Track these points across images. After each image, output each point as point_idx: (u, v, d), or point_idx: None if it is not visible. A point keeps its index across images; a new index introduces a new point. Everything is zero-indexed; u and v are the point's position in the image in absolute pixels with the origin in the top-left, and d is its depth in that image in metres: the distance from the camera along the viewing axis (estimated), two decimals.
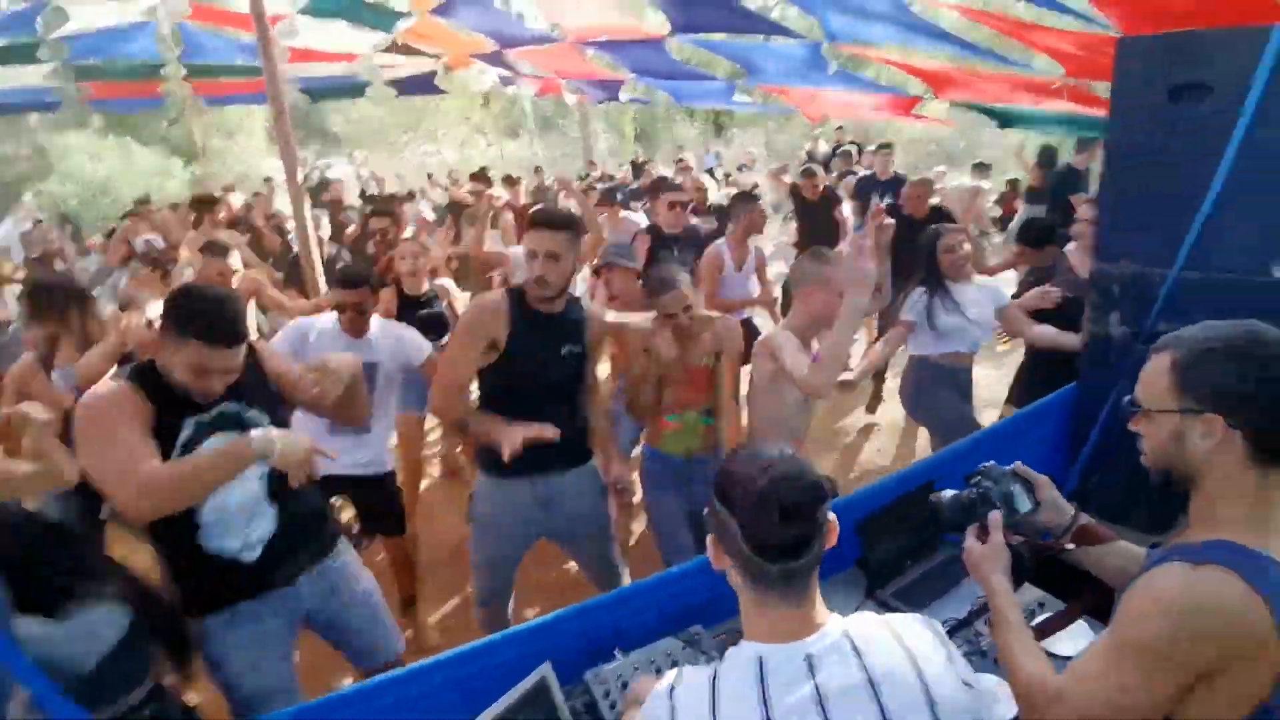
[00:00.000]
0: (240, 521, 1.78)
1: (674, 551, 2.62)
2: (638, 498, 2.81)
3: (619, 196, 6.01)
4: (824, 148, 10.44)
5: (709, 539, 1.07)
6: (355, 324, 2.82)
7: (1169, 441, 1.09)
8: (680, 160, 8.82)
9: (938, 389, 3.27)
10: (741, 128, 21.71)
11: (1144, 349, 2.26)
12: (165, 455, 1.66)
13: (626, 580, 2.54)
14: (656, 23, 4.83)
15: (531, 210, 2.22)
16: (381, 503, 3.04)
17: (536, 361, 2.21)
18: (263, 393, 1.87)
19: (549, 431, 2.07)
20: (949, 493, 1.37)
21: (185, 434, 1.70)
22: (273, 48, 3.91)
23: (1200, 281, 2.14)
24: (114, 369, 1.84)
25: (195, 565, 1.77)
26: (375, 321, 2.93)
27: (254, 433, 1.66)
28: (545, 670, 1.53)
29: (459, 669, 1.54)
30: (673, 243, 4.04)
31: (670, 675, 1.03)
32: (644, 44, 4.98)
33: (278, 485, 1.83)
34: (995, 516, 1.29)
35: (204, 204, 6.49)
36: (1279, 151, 1.91)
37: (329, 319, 2.89)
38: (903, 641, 0.99)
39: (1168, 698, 1.00)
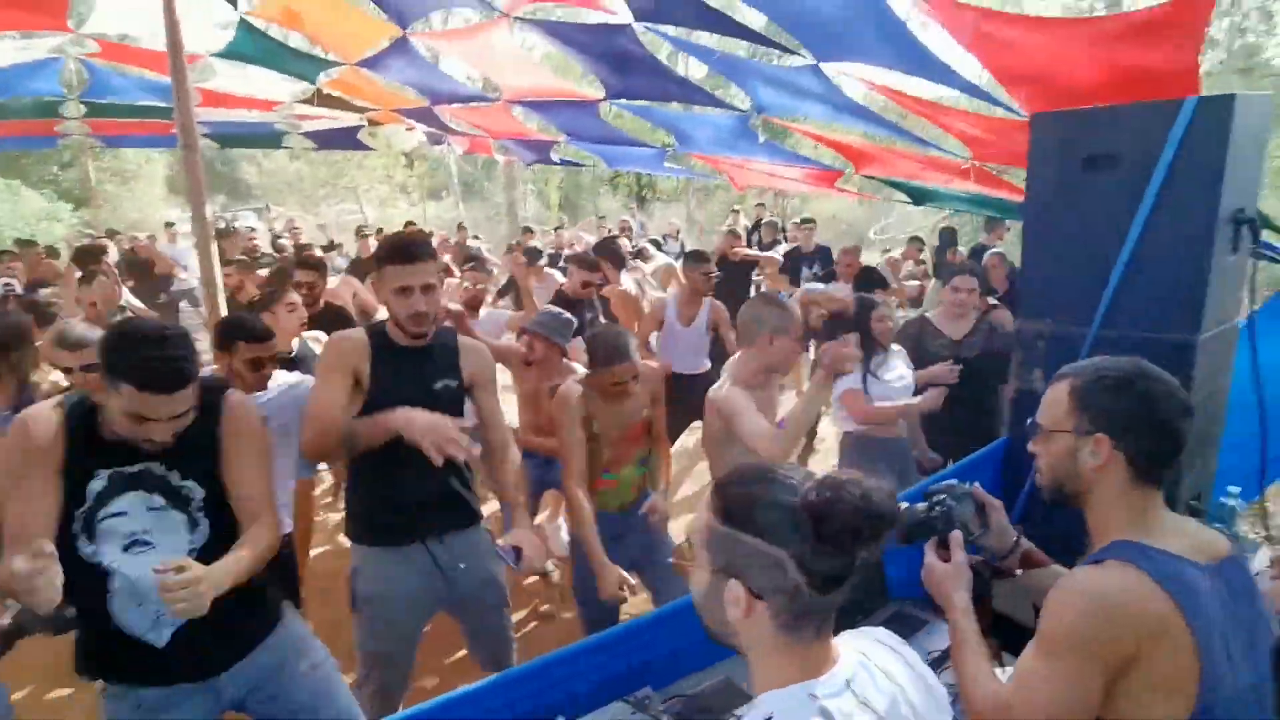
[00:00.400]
0: (153, 594, 1.49)
1: (607, 613, 2.47)
2: (555, 574, 2.66)
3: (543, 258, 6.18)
4: (745, 222, 10.91)
5: (734, 587, 0.90)
6: (261, 380, 2.59)
7: (1064, 459, 1.24)
8: (623, 221, 9.11)
9: (875, 466, 3.25)
10: (664, 201, 22.47)
11: None
12: (73, 500, 1.50)
13: (515, 660, 2.30)
14: (591, 87, 4.93)
15: (390, 245, 2.06)
16: (276, 567, 2.73)
17: (403, 398, 1.97)
18: (203, 458, 1.64)
19: (446, 426, 1.85)
20: (910, 505, 1.40)
21: (98, 485, 1.52)
22: (186, 87, 3.67)
23: (1117, 339, 2.25)
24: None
25: (101, 633, 1.57)
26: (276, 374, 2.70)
27: None
28: None
29: None
30: (579, 306, 4.15)
31: None
32: (577, 105, 5.06)
33: (208, 558, 1.54)
34: (957, 536, 1.34)
35: (89, 254, 5.80)
36: (1185, 217, 2.05)
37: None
38: (896, 651, 1.01)
39: (1098, 687, 1.10)
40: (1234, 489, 2.23)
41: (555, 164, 7.44)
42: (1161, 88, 2.08)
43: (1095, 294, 2.27)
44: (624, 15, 3.64)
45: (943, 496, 1.38)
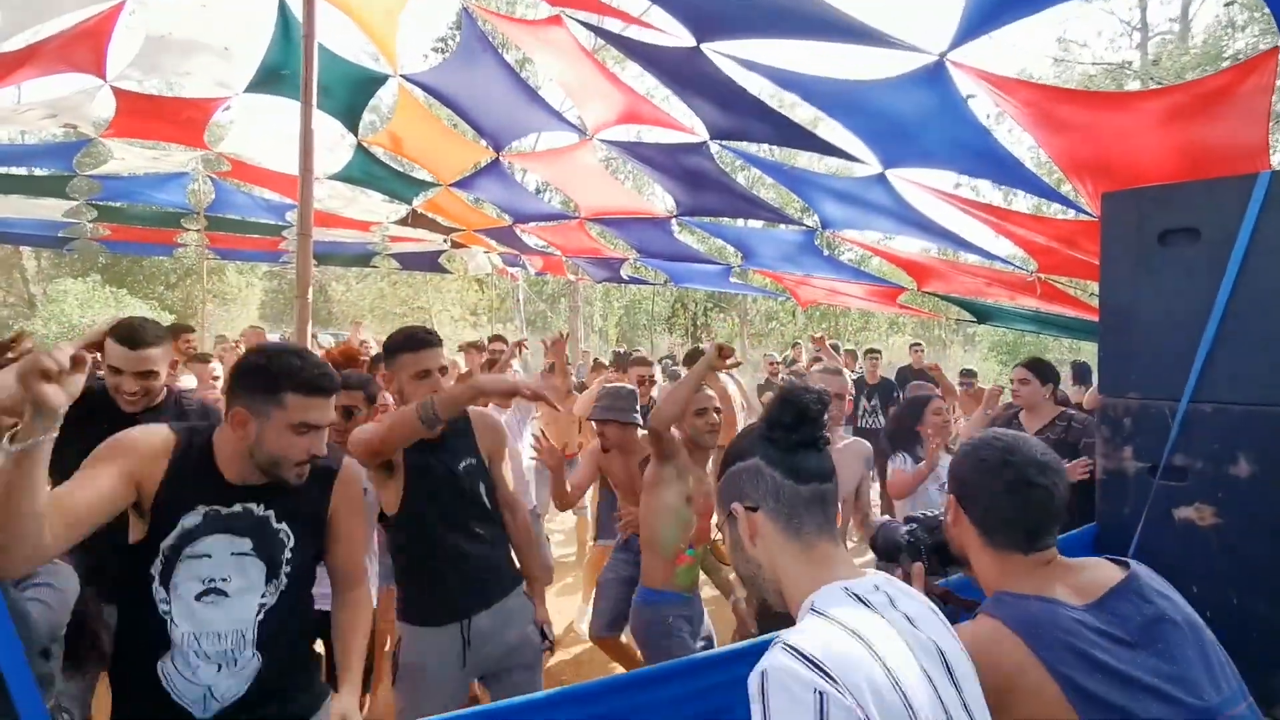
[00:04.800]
0: (212, 658, 1.48)
1: None
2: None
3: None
4: (805, 357, 11.02)
5: (736, 511, 1.06)
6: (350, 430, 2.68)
7: (950, 525, 1.32)
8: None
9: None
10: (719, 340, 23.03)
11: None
12: (160, 533, 1.46)
13: None
14: (664, 205, 5.30)
15: (403, 335, 2.21)
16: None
17: (439, 484, 2.11)
18: (308, 511, 1.62)
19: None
20: (890, 525, 1.47)
21: (191, 520, 1.48)
22: (310, 210, 3.90)
23: (1212, 412, 2.18)
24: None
25: (143, 700, 1.46)
26: None
27: None
28: None
29: None
30: None
31: (774, 656, 0.83)
32: (650, 222, 5.41)
33: (270, 630, 1.52)
34: (918, 568, 1.38)
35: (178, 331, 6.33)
36: (1272, 288, 2.05)
37: None
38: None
39: None
40: None
41: (624, 281, 7.82)
42: (1231, 163, 2.15)
43: (1179, 367, 2.23)
44: (701, 133, 4.00)
45: (916, 527, 1.43)
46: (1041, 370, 3.41)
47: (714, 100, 3.44)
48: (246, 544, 1.52)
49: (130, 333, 2.18)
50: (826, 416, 1.05)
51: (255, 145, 6.29)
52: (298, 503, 1.59)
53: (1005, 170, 3.17)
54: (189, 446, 1.52)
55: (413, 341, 2.15)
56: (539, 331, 20.29)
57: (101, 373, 2.37)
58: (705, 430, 2.65)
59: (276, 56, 4.76)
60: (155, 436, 1.51)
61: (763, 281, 6.12)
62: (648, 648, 2.60)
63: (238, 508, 1.52)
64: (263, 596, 1.54)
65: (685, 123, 4.08)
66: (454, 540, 2.10)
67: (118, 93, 4.98)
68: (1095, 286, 2.53)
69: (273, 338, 11.06)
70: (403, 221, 7.32)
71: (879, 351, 7.20)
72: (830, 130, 3.46)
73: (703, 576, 2.86)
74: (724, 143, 4.13)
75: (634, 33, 3.36)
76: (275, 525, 1.56)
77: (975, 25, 2.26)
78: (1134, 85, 15.99)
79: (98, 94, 5.01)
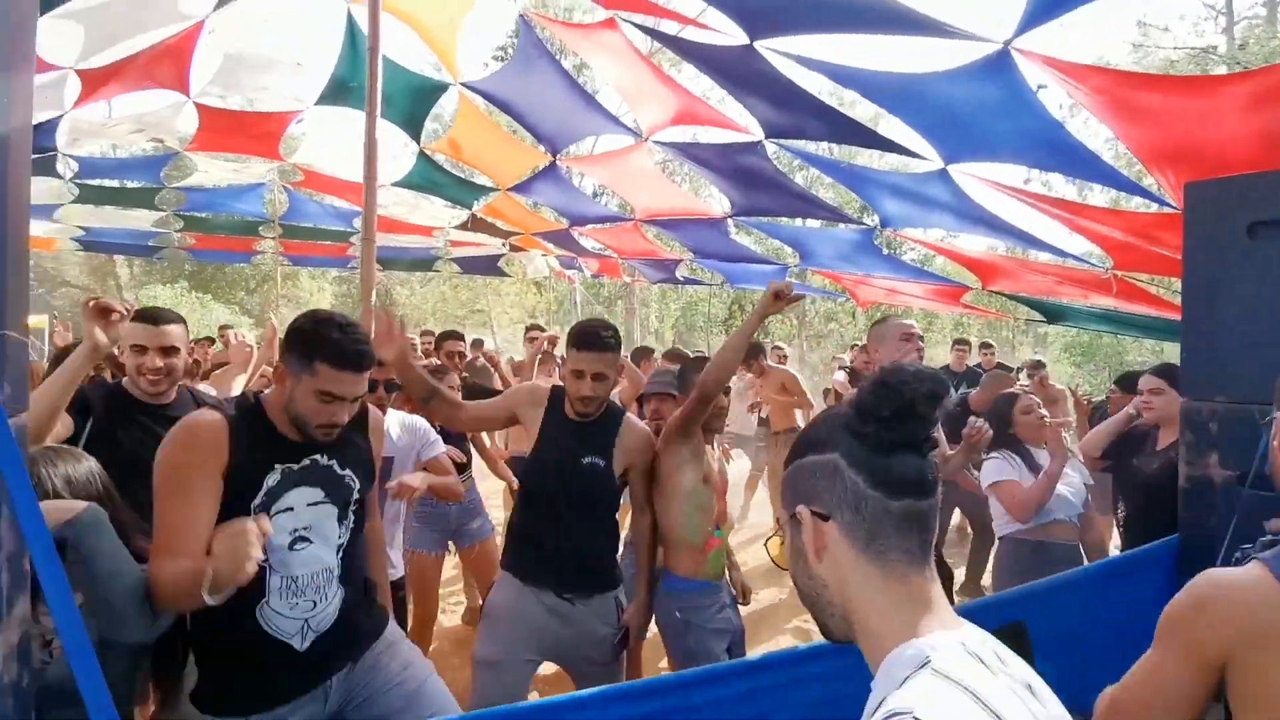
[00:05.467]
0: (308, 595, 1.66)
1: None
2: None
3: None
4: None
5: (801, 515, 0.84)
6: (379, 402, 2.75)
7: None
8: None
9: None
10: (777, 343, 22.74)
11: (1252, 492, 2.12)
12: (246, 496, 1.57)
13: None
14: (719, 205, 5.26)
15: (578, 330, 2.31)
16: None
17: (560, 463, 2.26)
18: (360, 456, 1.80)
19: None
20: None
21: (272, 479, 1.61)
22: (374, 215, 4.03)
23: None
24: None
25: (243, 644, 1.60)
26: (392, 415, 2.87)
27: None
28: None
29: None
30: None
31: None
32: (705, 223, 5.38)
33: (347, 564, 1.73)
34: None
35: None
36: None
37: None
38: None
39: (1190, 682, 1.04)
40: None
41: (679, 283, 7.80)
42: None
43: (1270, 368, 2.08)
44: (756, 132, 3.96)
45: None
46: (1175, 377, 3.07)
47: (768, 99, 3.40)
48: (319, 493, 1.67)
49: (152, 312, 2.31)
50: (939, 414, 0.80)
51: (325, 156, 6.54)
52: (354, 450, 1.76)
53: (1079, 163, 3.02)
54: (244, 418, 1.62)
55: (582, 340, 2.28)
56: None
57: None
58: (715, 415, 2.61)
59: (345, 70, 4.95)
60: (207, 425, 1.58)
61: (821, 282, 6.00)
62: (673, 640, 2.50)
63: (306, 461, 1.66)
64: (340, 537, 1.70)
65: (740, 122, 4.04)
66: (564, 509, 2.26)
67: (200, 108, 5.26)
68: (1179, 284, 2.38)
69: None
70: (463, 226, 7.50)
71: (967, 342, 6.91)
72: (890, 127, 3.37)
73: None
74: (780, 141, 4.07)
75: (688, 34, 3.35)
76: (340, 472, 1.71)
77: (1041, 11, 2.17)
78: (1220, 71, 15.06)
79: (182, 109, 5.30)
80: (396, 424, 2.85)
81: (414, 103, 5.18)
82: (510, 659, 2.20)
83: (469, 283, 18.79)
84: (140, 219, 7.69)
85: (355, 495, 1.74)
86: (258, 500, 1.58)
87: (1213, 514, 2.23)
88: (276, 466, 1.61)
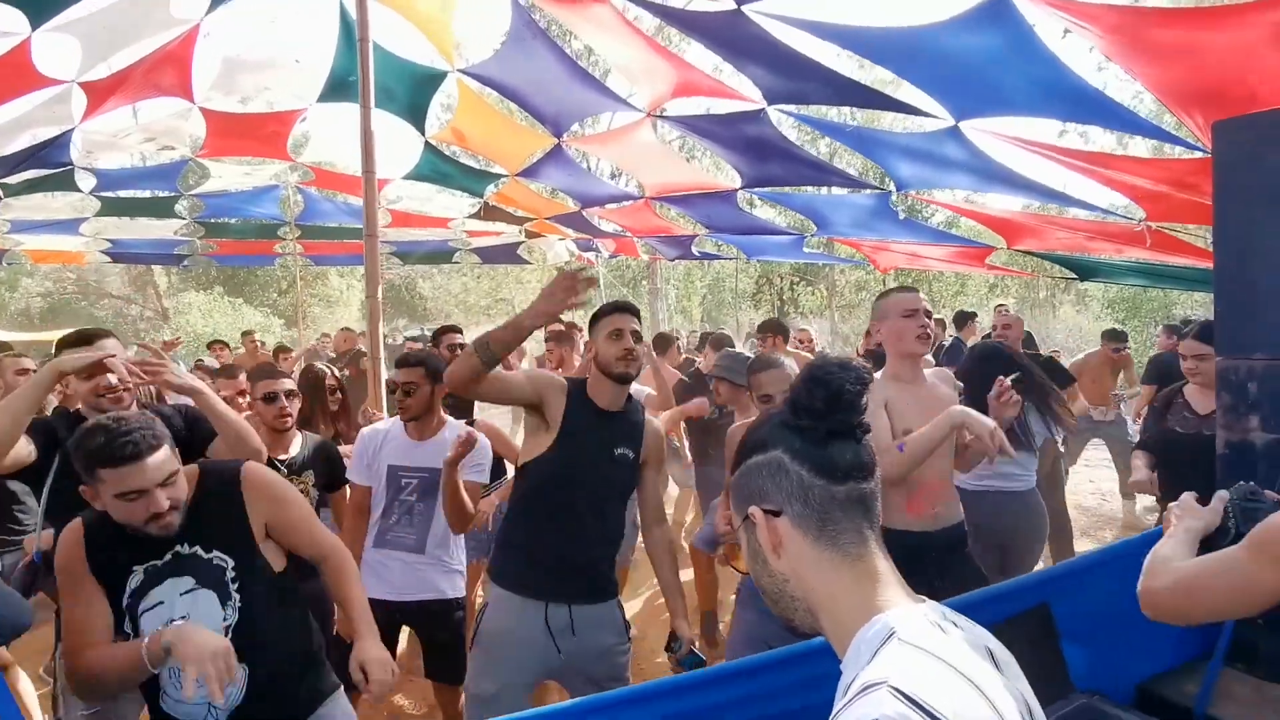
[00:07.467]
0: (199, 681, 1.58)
1: None
2: None
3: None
4: None
5: (754, 516, 0.86)
6: (410, 412, 2.61)
7: None
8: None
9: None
10: (804, 317, 22.42)
11: None
12: (113, 599, 1.57)
13: None
14: (727, 178, 5.12)
15: (606, 305, 2.21)
16: (442, 637, 2.60)
17: (594, 454, 2.08)
18: (227, 529, 1.68)
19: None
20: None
21: (134, 581, 1.59)
22: (375, 210, 3.94)
23: None
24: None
25: None
26: (453, 426, 2.70)
27: (166, 630, 1.46)
28: None
29: None
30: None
31: (882, 703, 0.66)
32: (715, 197, 5.25)
33: (246, 643, 1.60)
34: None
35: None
36: None
37: (392, 422, 2.73)
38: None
39: (1270, 591, 1.05)
40: None
41: (697, 258, 7.67)
42: None
43: None
44: (757, 100, 3.81)
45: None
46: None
47: (765, 64, 3.26)
48: (189, 581, 1.61)
49: (79, 334, 2.22)
50: (866, 399, 0.85)
51: (333, 152, 6.55)
52: (216, 527, 1.66)
53: (1106, 112, 2.82)
54: (95, 523, 1.61)
55: (615, 305, 2.19)
56: None
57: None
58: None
59: (343, 64, 4.90)
60: (64, 539, 1.61)
61: (850, 251, 5.83)
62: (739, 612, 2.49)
63: (169, 556, 1.61)
64: (225, 619, 1.63)
65: (742, 91, 3.90)
66: (582, 507, 2.09)
67: (206, 113, 5.28)
68: None
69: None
70: (476, 215, 7.46)
71: (1005, 306, 6.74)
72: (899, 88, 3.21)
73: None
74: (783, 108, 3.92)
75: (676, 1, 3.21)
76: (206, 555, 1.64)
77: None
78: None
79: (189, 115, 5.33)
80: (451, 431, 2.68)
81: (413, 93, 5.12)
82: (507, 690, 2.06)
83: (491, 272, 18.84)
84: (163, 228, 7.81)
85: (230, 573, 1.66)
86: (125, 601, 1.59)
87: (1254, 479, 2.07)
88: (136, 568, 1.60)
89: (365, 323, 3.85)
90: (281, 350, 8.08)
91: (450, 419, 2.77)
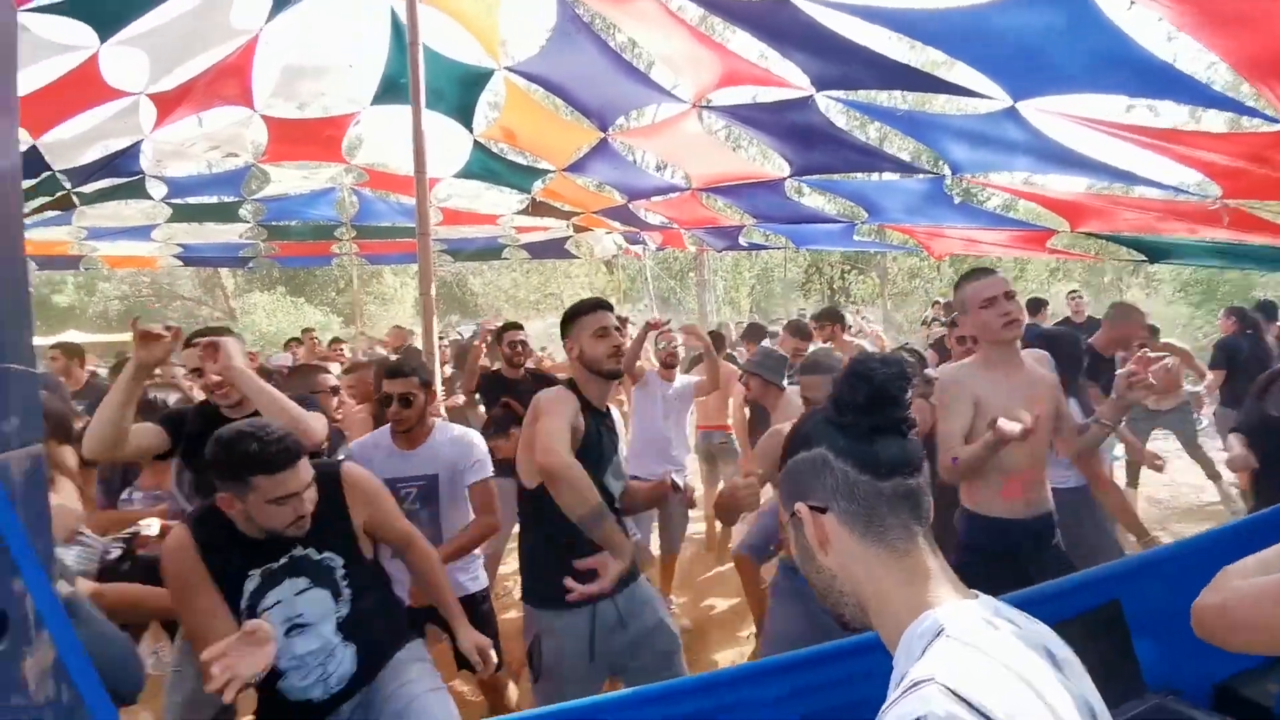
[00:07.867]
0: (315, 666, 1.74)
1: None
2: None
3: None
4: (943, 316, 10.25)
5: (800, 513, 0.87)
6: (407, 423, 2.58)
7: None
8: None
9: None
10: (857, 305, 22.00)
11: None
12: (231, 601, 1.66)
13: None
14: (775, 166, 5.06)
15: (582, 304, 2.23)
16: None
17: (604, 458, 2.13)
18: (335, 530, 1.79)
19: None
20: None
21: (251, 584, 1.69)
22: (426, 208, 4.06)
23: None
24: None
25: (273, 709, 1.74)
26: (443, 429, 2.69)
27: None
28: None
29: None
30: None
31: (930, 700, 0.66)
32: (763, 186, 5.19)
33: (354, 628, 1.78)
34: None
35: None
36: None
37: (378, 435, 2.71)
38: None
39: None
40: None
41: (745, 249, 7.61)
42: None
43: None
44: (805, 87, 3.75)
45: None
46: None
47: (812, 50, 3.20)
48: (305, 581, 1.73)
49: (198, 332, 2.37)
50: (910, 394, 0.85)
51: (386, 154, 6.72)
52: (325, 529, 1.75)
53: (1177, 85, 2.68)
54: (203, 528, 1.68)
55: (592, 304, 2.22)
56: (671, 309, 20.42)
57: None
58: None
59: (394, 67, 5.02)
60: (170, 551, 1.67)
61: (902, 239, 5.69)
62: (774, 604, 2.48)
63: (285, 559, 1.71)
64: (337, 613, 1.76)
65: (788, 78, 3.84)
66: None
67: (267, 120, 5.48)
68: None
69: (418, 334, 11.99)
70: (525, 211, 7.55)
71: (1079, 292, 6.45)
72: (952, 69, 3.11)
73: None
74: (831, 94, 3.84)
75: None
76: (317, 557, 1.75)
77: None
78: None
79: (250, 122, 5.54)
80: (447, 440, 2.67)
81: (462, 92, 5.21)
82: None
83: (539, 267, 19.07)
84: (229, 232, 8.15)
85: (340, 571, 1.78)
86: (244, 603, 1.67)
87: None
88: (253, 572, 1.68)
89: (419, 319, 3.95)
90: (336, 341, 8.43)
91: (439, 420, 2.79)
